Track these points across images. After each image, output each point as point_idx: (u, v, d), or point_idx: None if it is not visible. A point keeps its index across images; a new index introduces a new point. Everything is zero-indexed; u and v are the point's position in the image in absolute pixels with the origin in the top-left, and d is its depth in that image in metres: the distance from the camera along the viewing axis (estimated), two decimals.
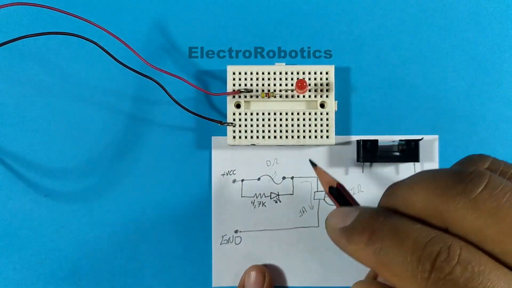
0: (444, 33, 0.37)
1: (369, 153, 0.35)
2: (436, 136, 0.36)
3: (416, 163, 0.36)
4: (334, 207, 0.36)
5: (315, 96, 0.35)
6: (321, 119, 0.35)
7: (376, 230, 0.20)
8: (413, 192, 0.20)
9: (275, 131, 0.35)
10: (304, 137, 0.35)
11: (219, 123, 0.35)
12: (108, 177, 0.36)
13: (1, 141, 0.36)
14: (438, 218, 0.19)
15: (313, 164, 0.29)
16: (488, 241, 0.17)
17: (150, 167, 0.36)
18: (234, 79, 0.35)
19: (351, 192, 0.36)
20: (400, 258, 0.18)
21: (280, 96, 0.35)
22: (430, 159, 0.36)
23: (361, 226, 0.20)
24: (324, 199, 0.36)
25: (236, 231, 0.36)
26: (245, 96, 0.35)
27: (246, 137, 0.35)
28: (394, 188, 0.21)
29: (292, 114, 0.35)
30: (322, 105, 0.35)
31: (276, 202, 0.36)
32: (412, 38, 0.37)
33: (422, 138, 0.35)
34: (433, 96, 0.37)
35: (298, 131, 0.35)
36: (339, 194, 0.27)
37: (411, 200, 0.20)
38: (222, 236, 0.36)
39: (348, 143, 0.36)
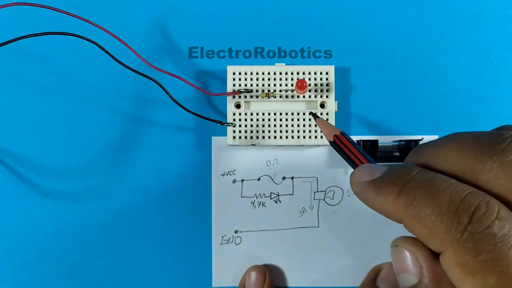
0: (444, 33, 0.37)
1: (369, 154, 0.35)
2: (436, 136, 0.36)
3: None
4: (335, 206, 0.36)
5: (315, 96, 0.35)
6: None
7: (409, 180, 0.19)
8: (446, 150, 0.19)
9: (275, 131, 0.35)
10: (304, 137, 0.35)
11: (219, 123, 0.35)
12: (108, 177, 0.36)
13: (1, 141, 0.36)
14: (471, 176, 0.18)
15: (315, 116, 0.30)
16: None
17: (150, 167, 0.36)
18: (234, 79, 0.35)
19: (351, 193, 0.36)
20: (436, 209, 0.17)
21: (280, 97, 0.35)
22: None
23: (393, 177, 0.20)
24: (324, 199, 0.36)
25: (236, 231, 0.36)
26: (245, 96, 0.35)
27: (246, 137, 0.35)
28: (424, 146, 0.21)
29: (292, 114, 0.35)
30: (322, 105, 0.35)
31: (276, 202, 0.36)
32: (412, 38, 0.37)
33: (422, 139, 0.35)
34: (433, 96, 0.37)
35: (298, 131, 0.35)
36: (345, 142, 0.26)
37: (443, 157, 0.19)
38: (222, 236, 0.36)
39: None
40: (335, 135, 0.26)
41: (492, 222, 0.16)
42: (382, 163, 0.35)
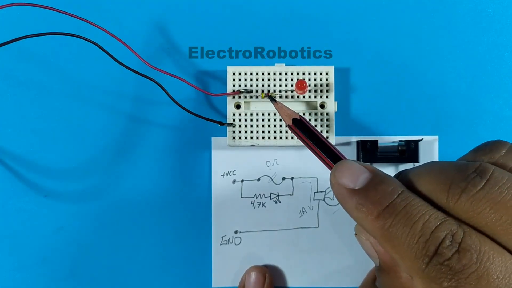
0: (444, 34, 0.37)
1: (369, 154, 0.35)
2: (436, 137, 0.36)
3: (416, 164, 0.36)
4: (335, 206, 0.36)
5: (315, 97, 0.35)
6: (321, 120, 0.35)
7: (390, 205, 0.20)
8: (421, 180, 0.20)
9: (274, 132, 0.35)
10: None
11: (219, 123, 0.35)
12: (107, 178, 0.36)
13: (1, 141, 0.36)
14: (444, 205, 0.19)
15: (273, 99, 0.29)
16: (490, 231, 0.18)
17: (149, 167, 0.36)
18: (234, 80, 0.35)
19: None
20: (408, 238, 0.19)
21: (280, 97, 0.35)
22: (430, 160, 0.36)
23: (375, 196, 0.20)
24: (324, 200, 0.36)
25: (236, 232, 0.36)
26: (245, 97, 0.35)
27: (246, 138, 0.35)
28: (403, 173, 0.22)
29: None
30: (322, 106, 0.35)
31: (276, 202, 0.36)
32: (412, 39, 0.37)
33: (422, 139, 0.35)
34: (433, 96, 0.37)
35: None
36: (303, 126, 0.26)
37: (419, 184, 0.21)
38: (222, 237, 0.36)
39: (348, 143, 0.36)
40: (294, 119, 0.26)
41: (453, 254, 0.18)
42: (381, 164, 0.35)
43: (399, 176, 0.22)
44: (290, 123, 0.26)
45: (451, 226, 0.18)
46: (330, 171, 0.23)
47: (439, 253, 0.18)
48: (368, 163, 0.24)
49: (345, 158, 0.24)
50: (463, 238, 0.18)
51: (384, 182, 0.21)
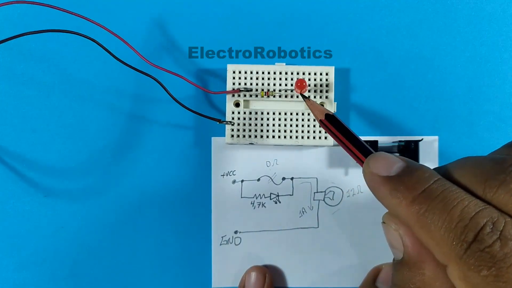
0: (443, 34, 0.37)
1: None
2: (436, 137, 0.36)
3: None
4: (335, 207, 0.36)
5: (315, 97, 0.35)
6: None
7: (426, 190, 0.19)
8: (455, 176, 0.20)
9: (273, 131, 0.35)
10: (302, 137, 0.35)
11: (218, 121, 0.35)
12: (107, 177, 0.36)
13: (1, 141, 0.36)
14: (484, 195, 0.19)
15: (305, 97, 0.30)
16: None
17: (149, 167, 0.36)
18: (234, 78, 0.35)
19: (350, 193, 0.36)
20: (445, 223, 0.18)
21: (280, 96, 0.35)
22: (430, 160, 0.36)
23: (410, 181, 0.20)
24: (324, 200, 0.36)
25: (235, 232, 0.36)
26: (245, 95, 0.35)
27: (244, 136, 0.35)
28: (436, 169, 0.21)
29: (291, 114, 0.35)
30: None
31: (276, 202, 0.36)
32: (412, 39, 0.37)
33: (422, 139, 0.35)
34: (433, 97, 0.36)
35: (296, 131, 0.35)
36: (335, 121, 0.27)
37: (458, 175, 0.20)
38: (222, 237, 0.36)
39: None
40: (327, 114, 0.27)
41: (494, 241, 0.17)
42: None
43: (436, 168, 0.22)
44: (323, 118, 0.27)
45: (492, 213, 0.18)
46: (358, 165, 0.23)
47: (479, 239, 0.17)
48: (402, 157, 0.23)
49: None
50: (505, 226, 0.17)
51: (420, 169, 0.20)
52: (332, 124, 0.27)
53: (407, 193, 0.20)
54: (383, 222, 0.22)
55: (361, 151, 0.25)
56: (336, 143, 0.35)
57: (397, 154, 0.35)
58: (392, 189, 0.20)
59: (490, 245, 0.17)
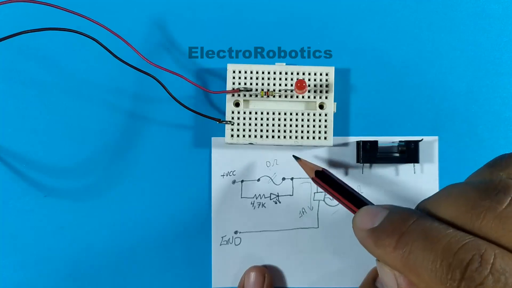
0: (443, 34, 0.37)
1: (369, 154, 0.35)
2: (436, 137, 0.36)
3: (416, 164, 0.36)
4: (335, 207, 0.36)
5: (314, 97, 0.35)
6: (320, 121, 0.35)
7: (405, 232, 0.19)
8: (440, 209, 0.19)
9: (273, 131, 0.35)
10: (302, 137, 0.35)
11: (218, 121, 0.35)
12: (107, 177, 0.36)
13: (1, 141, 0.36)
14: (469, 226, 0.18)
15: (297, 158, 0.30)
16: None
17: (149, 167, 0.36)
18: (234, 78, 0.35)
19: None
20: (429, 263, 0.17)
21: (280, 96, 0.35)
22: (430, 160, 0.36)
23: (390, 228, 0.20)
24: (324, 200, 0.36)
25: (235, 232, 0.36)
26: (244, 95, 0.35)
27: (244, 136, 0.35)
28: (422, 203, 0.21)
29: (291, 114, 0.35)
30: (321, 107, 0.35)
31: (276, 203, 0.36)
32: (412, 39, 0.37)
33: (422, 139, 0.35)
34: (433, 97, 0.36)
35: (296, 131, 0.35)
36: (326, 177, 0.28)
37: (440, 212, 0.19)
38: (222, 237, 0.36)
39: (347, 144, 0.36)
40: (316, 171, 0.28)
41: (485, 278, 0.16)
42: (381, 164, 0.35)
43: (418, 206, 0.21)
44: (313, 175, 0.28)
45: (478, 246, 0.17)
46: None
47: (468, 276, 0.16)
48: (387, 204, 0.23)
49: (370, 203, 0.25)
50: (495, 259, 0.16)
51: (399, 213, 0.20)
52: (323, 179, 0.28)
53: (389, 240, 0.19)
54: (377, 260, 0.22)
55: (354, 203, 0.26)
56: (335, 143, 0.36)
57: (397, 155, 0.35)
58: (376, 239, 0.20)
59: (481, 283, 0.16)
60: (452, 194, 0.19)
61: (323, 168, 0.28)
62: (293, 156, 0.32)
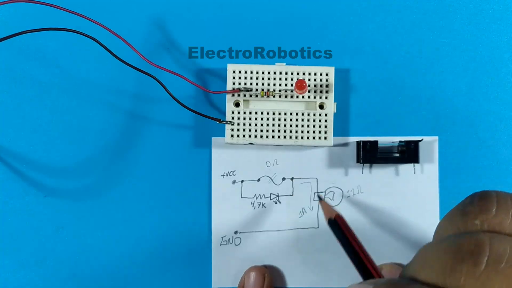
0: (443, 35, 0.37)
1: (369, 154, 0.35)
2: (436, 137, 0.36)
3: (416, 164, 0.36)
4: (335, 207, 0.36)
5: (314, 97, 0.35)
6: (320, 121, 0.35)
7: None
8: (422, 274, 0.19)
9: (273, 131, 0.35)
10: (302, 137, 0.35)
11: (218, 121, 0.35)
12: (107, 177, 0.36)
13: (1, 141, 0.36)
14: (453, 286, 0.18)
15: (320, 198, 0.32)
16: None
17: (149, 167, 0.36)
18: (234, 78, 0.35)
19: (350, 193, 0.36)
20: None
21: (280, 96, 0.35)
22: (430, 160, 0.36)
23: None
24: (323, 200, 0.36)
25: (235, 232, 0.36)
26: (245, 95, 0.35)
27: (244, 136, 0.35)
28: (405, 271, 0.20)
29: (291, 114, 0.35)
30: (321, 107, 0.35)
31: (276, 203, 0.36)
32: (412, 39, 0.37)
33: (422, 139, 0.35)
34: (433, 97, 0.36)
35: (296, 131, 0.35)
36: (337, 227, 0.28)
37: (422, 277, 0.19)
38: (222, 237, 0.36)
39: (347, 144, 0.36)
40: (336, 215, 0.29)
41: None
42: (381, 164, 0.35)
43: (403, 276, 0.21)
44: (327, 222, 0.29)
45: None
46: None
47: None
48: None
49: (375, 271, 0.26)
50: None
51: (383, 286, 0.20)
52: (334, 229, 0.28)
53: None
54: None
55: (355, 262, 0.27)
56: (336, 143, 0.36)
57: (398, 155, 0.35)
58: None
59: None
60: (428, 260, 0.19)
61: (337, 215, 0.28)
62: (317, 194, 0.33)
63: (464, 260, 0.17)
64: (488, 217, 0.18)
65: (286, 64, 0.35)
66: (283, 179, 0.37)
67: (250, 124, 0.35)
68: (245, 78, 0.35)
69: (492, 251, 0.17)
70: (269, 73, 0.35)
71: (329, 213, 0.29)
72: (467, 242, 0.17)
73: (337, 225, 0.28)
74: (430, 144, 0.36)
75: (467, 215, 0.19)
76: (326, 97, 0.35)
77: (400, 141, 0.35)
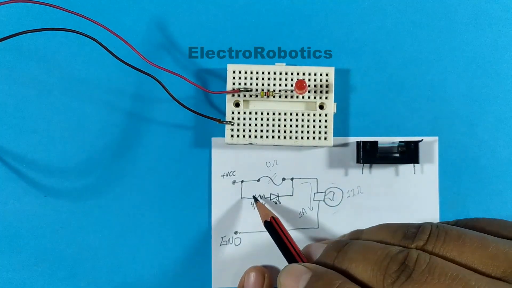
0: (443, 35, 0.37)
1: (369, 155, 0.35)
2: (436, 138, 0.36)
3: (416, 165, 0.36)
4: (335, 207, 0.36)
5: (314, 98, 0.35)
6: (320, 121, 0.35)
7: None
8: (357, 270, 0.23)
9: (273, 131, 0.35)
10: (302, 138, 0.35)
11: (218, 121, 0.35)
12: (107, 177, 0.36)
13: (1, 141, 0.36)
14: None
15: (255, 199, 0.34)
16: None
17: (149, 167, 0.36)
18: (234, 78, 0.35)
19: (350, 194, 0.36)
20: None
21: (280, 96, 0.35)
22: (430, 161, 0.36)
23: None
24: (323, 200, 0.36)
25: (235, 232, 0.36)
26: (245, 95, 0.35)
27: (244, 136, 0.35)
28: (340, 257, 0.25)
29: (291, 114, 0.35)
30: (321, 107, 0.35)
31: (276, 203, 0.36)
32: (412, 40, 0.37)
33: (422, 140, 0.35)
34: (433, 97, 0.36)
35: (296, 131, 0.35)
36: (272, 228, 0.32)
37: (356, 275, 0.23)
38: (222, 237, 0.36)
39: (347, 144, 0.36)
40: (272, 217, 0.32)
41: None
42: (381, 165, 0.35)
43: (342, 254, 0.24)
44: (268, 219, 0.33)
45: None
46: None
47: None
48: (312, 264, 0.26)
49: (301, 260, 0.29)
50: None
51: (323, 277, 0.23)
52: (271, 228, 0.32)
53: None
54: None
55: (287, 257, 0.30)
56: (335, 143, 0.36)
57: (397, 155, 0.35)
58: None
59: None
60: (368, 257, 0.23)
61: (273, 217, 0.32)
62: (253, 197, 0.35)
63: (399, 268, 0.21)
64: (419, 244, 0.24)
65: (286, 64, 0.35)
66: (283, 179, 0.37)
67: (250, 124, 0.35)
68: (245, 78, 0.35)
69: (417, 263, 0.21)
70: (269, 73, 0.35)
71: (265, 216, 0.31)
72: (402, 254, 0.22)
73: (272, 226, 0.31)
74: (430, 144, 0.36)
75: (406, 240, 0.24)
76: (326, 97, 0.35)
77: (400, 141, 0.35)
